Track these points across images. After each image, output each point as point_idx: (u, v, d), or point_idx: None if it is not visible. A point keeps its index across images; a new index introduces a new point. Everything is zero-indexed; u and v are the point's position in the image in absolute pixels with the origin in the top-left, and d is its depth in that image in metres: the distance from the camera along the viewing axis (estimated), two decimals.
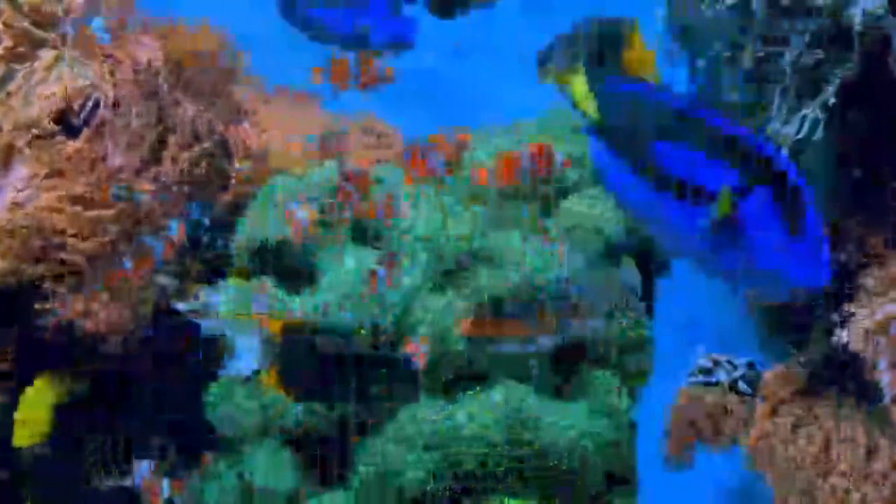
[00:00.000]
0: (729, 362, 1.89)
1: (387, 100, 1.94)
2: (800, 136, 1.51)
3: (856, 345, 1.50)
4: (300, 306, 1.78)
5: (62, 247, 1.74)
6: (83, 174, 1.78)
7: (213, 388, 1.83)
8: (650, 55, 1.56)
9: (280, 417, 1.78)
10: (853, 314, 1.53)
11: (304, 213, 1.83)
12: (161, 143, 1.87)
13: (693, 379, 1.88)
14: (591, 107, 1.26)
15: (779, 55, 1.51)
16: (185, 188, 1.88)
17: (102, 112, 1.81)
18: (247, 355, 1.67)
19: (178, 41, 1.95)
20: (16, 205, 1.74)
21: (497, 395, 1.72)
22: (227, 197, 1.94)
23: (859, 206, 1.59)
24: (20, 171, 1.77)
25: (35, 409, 1.77)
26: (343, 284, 1.77)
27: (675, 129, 1.19)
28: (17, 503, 1.86)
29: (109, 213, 1.78)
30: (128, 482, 1.86)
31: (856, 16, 1.43)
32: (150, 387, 1.89)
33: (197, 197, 1.91)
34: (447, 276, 1.78)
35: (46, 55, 1.81)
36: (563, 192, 1.86)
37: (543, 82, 1.58)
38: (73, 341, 1.78)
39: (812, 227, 1.14)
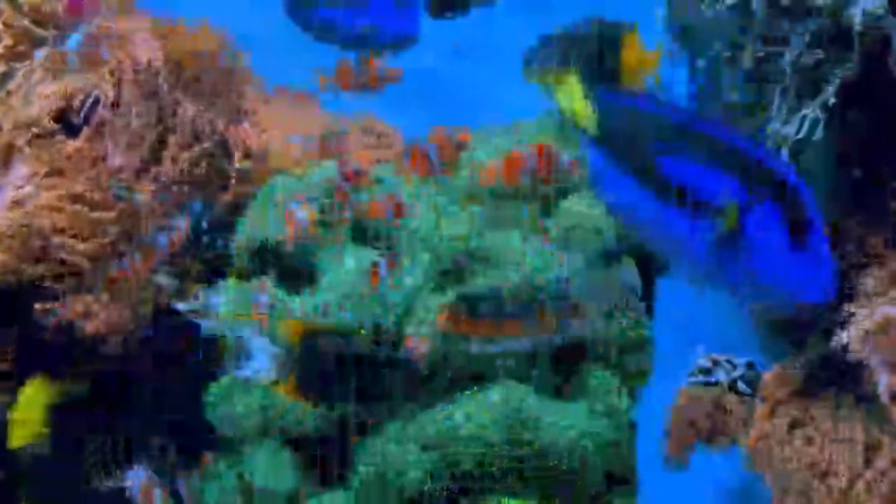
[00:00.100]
0: (728, 362, 1.89)
1: (387, 100, 1.94)
2: (800, 136, 1.51)
3: (855, 346, 1.50)
4: (300, 306, 1.78)
5: (62, 247, 1.75)
6: (83, 173, 1.78)
7: (213, 388, 1.83)
8: (650, 56, 1.56)
9: (280, 418, 1.78)
10: (853, 314, 1.53)
11: (304, 213, 1.83)
12: (161, 143, 1.87)
13: (693, 379, 1.88)
14: (590, 122, 1.25)
15: (779, 55, 1.51)
16: (185, 188, 1.88)
17: (102, 111, 1.81)
18: (265, 363, 1.67)
19: (178, 41, 1.95)
20: (16, 203, 1.74)
21: (495, 394, 1.72)
22: (227, 197, 1.94)
23: (859, 206, 1.59)
24: (20, 170, 1.77)
25: (29, 410, 1.77)
26: (343, 284, 1.77)
27: (676, 143, 1.19)
28: (13, 503, 1.86)
29: (110, 214, 1.78)
30: (127, 483, 1.86)
31: (856, 16, 1.43)
32: (150, 387, 1.89)
33: (197, 197, 1.91)
34: (445, 276, 1.78)
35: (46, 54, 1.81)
36: (563, 193, 1.87)
37: (529, 82, 1.58)
38: (73, 341, 1.78)
39: (818, 243, 1.14)
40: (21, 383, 1.81)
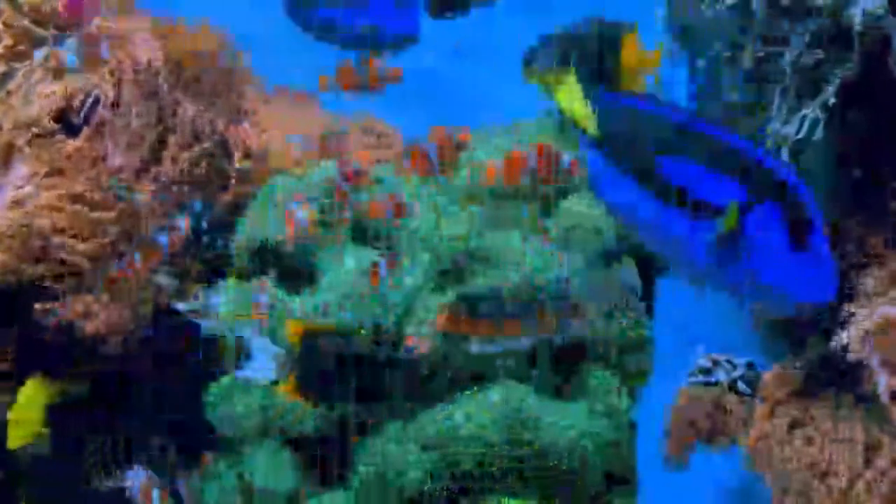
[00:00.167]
0: (728, 362, 1.89)
1: (387, 100, 1.94)
2: (800, 136, 1.51)
3: (855, 346, 1.50)
4: (300, 306, 1.78)
5: (62, 247, 1.74)
6: (83, 173, 1.78)
7: (213, 388, 1.83)
8: (650, 56, 1.56)
9: (280, 418, 1.78)
10: (853, 314, 1.53)
11: (304, 213, 1.83)
12: (161, 143, 1.87)
13: (693, 379, 1.88)
14: (590, 123, 1.25)
15: (779, 55, 1.51)
16: (185, 188, 1.88)
17: (102, 111, 1.81)
18: (264, 363, 1.67)
19: (178, 41, 1.95)
20: (16, 203, 1.74)
21: (495, 394, 1.72)
22: (227, 197, 1.94)
23: (859, 206, 1.59)
24: (20, 170, 1.77)
25: (27, 410, 1.77)
26: (343, 284, 1.77)
27: (676, 143, 1.19)
28: (11, 503, 1.86)
29: (110, 214, 1.78)
30: (127, 483, 1.86)
31: (856, 16, 1.43)
32: (150, 387, 1.89)
33: (197, 197, 1.91)
34: (445, 275, 1.78)
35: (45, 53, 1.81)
36: (563, 192, 1.86)
37: (529, 82, 1.58)
38: (73, 341, 1.78)
39: (818, 243, 1.14)
40: (21, 383, 1.81)
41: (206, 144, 1.91)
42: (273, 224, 1.85)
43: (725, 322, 1.90)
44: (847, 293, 1.55)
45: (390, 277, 1.74)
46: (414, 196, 1.83)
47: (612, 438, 1.74)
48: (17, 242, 1.72)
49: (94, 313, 1.77)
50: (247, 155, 1.97)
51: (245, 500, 1.80)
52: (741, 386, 1.87)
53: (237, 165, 1.95)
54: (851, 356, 1.50)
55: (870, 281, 1.55)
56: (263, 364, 1.67)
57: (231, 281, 1.86)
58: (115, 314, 1.78)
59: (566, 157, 1.81)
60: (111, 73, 1.84)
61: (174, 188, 1.86)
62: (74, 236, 1.76)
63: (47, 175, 1.77)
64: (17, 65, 1.82)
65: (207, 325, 1.83)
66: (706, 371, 1.87)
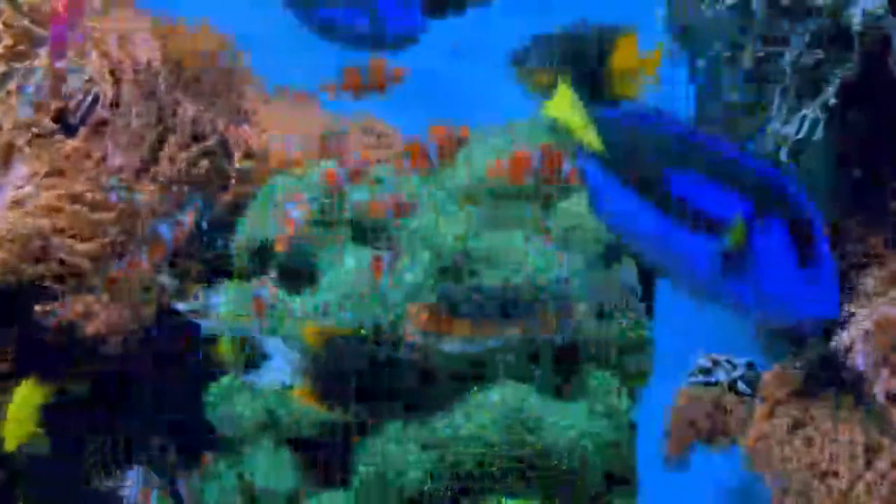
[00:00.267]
0: (728, 362, 1.89)
1: (386, 100, 1.93)
2: (800, 136, 1.51)
3: (856, 346, 1.50)
4: (300, 306, 1.78)
5: (62, 247, 1.74)
6: (84, 173, 1.78)
7: (213, 388, 1.83)
8: (648, 59, 1.56)
9: (282, 418, 1.78)
10: (853, 314, 1.53)
11: (300, 213, 1.83)
12: (161, 143, 1.87)
13: (693, 379, 1.88)
14: (591, 136, 1.24)
15: (779, 55, 1.51)
16: (185, 188, 1.88)
17: (101, 111, 1.81)
18: (281, 366, 1.68)
19: (178, 41, 1.95)
20: (16, 203, 1.74)
21: (495, 394, 1.72)
22: (227, 197, 1.94)
23: (859, 206, 1.59)
24: (20, 170, 1.77)
25: (22, 411, 1.77)
26: (343, 284, 1.77)
27: (679, 156, 1.18)
28: (10, 503, 1.86)
29: (110, 215, 1.78)
30: (127, 483, 1.86)
31: (856, 16, 1.43)
32: (150, 387, 1.89)
33: (197, 196, 1.91)
34: (444, 274, 1.78)
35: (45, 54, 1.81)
36: (565, 192, 1.86)
37: (518, 83, 1.57)
38: (74, 342, 1.78)
39: (823, 259, 1.14)
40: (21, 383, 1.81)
41: (209, 143, 1.91)
42: (273, 224, 1.86)
43: (725, 322, 1.90)
44: (847, 293, 1.55)
45: (390, 276, 1.74)
46: (414, 195, 1.83)
47: (612, 439, 1.74)
48: (16, 243, 1.72)
49: (94, 313, 1.77)
50: (247, 155, 1.97)
51: (245, 501, 1.80)
52: (741, 386, 1.87)
53: (237, 165, 1.95)
54: (850, 362, 1.50)
55: (870, 281, 1.55)
56: (280, 367, 1.68)
57: (231, 281, 1.87)
58: (115, 314, 1.78)
59: (566, 166, 1.81)
60: (111, 72, 1.84)
61: (174, 188, 1.86)
62: (74, 236, 1.76)
63: (47, 175, 1.77)
64: (17, 65, 1.82)
65: (207, 325, 1.84)
66: (706, 371, 1.87)
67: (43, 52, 1.81)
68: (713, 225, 1.15)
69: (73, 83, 1.81)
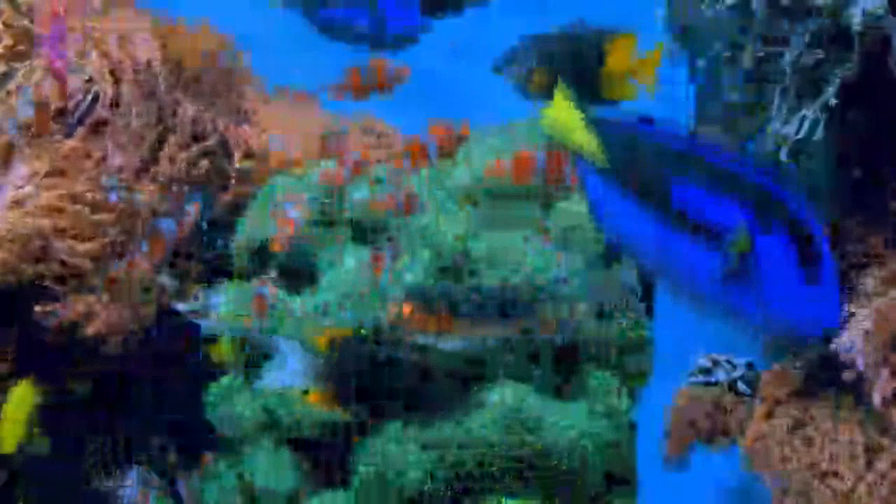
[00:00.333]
0: (728, 362, 1.88)
1: (386, 100, 1.94)
2: (800, 136, 1.51)
3: (855, 345, 1.50)
4: (300, 306, 1.78)
5: (62, 248, 1.74)
6: (84, 173, 1.78)
7: (213, 388, 1.83)
8: (646, 61, 1.56)
9: (283, 418, 1.78)
10: (853, 314, 1.53)
11: (298, 213, 1.83)
12: (161, 143, 1.87)
13: (693, 379, 1.88)
14: (593, 146, 1.23)
15: (779, 55, 1.51)
16: (185, 188, 1.88)
17: (101, 111, 1.81)
18: (296, 369, 1.68)
19: (178, 41, 1.95)
20: (16, 203, 1.74)
21: (495, 395, 1.72)
22: (227, 197, 1.95)
23: (859, 206, 1.59)
24: (20, 170, 1.77)
25: (18, 412, 1.77)
26: (343, 284, 1.77)
27: (682, 168, 1.18)
28: (9, 503, 1.86)
29: (110, 216, 1.78)
30: (127, 483, 1.86)
31: (856, 16, 1.43)
32: (151, 387, 1.89)
33: (197, 196, 1.91)
34: (443, 273, 1.78)
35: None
36: (565, 193, 1.86)
37: (509, 82, 1.57)
38: (74, 342, 1.78)
39: (826, 270, 1.13)
40: None
41: (209, 143, 1.91)
42: (273, 224, 1.86)
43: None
44: (847, 294, 1.55)
45: (390, 274, 1.74)
46: (414, 194, 1.83)
47: (612, 439, 1.75)
48: (16, 244, 1.72)
49: (95, 314, 1.77)
50: (247, 155, 1.97)
51: (245, 501, 1.80)
52: (741, 386, 1.86)
53: (237, 165, 1.95)
54: (850, 362, 1.50)
55: (870, 281, 1.55)
56: (295, 370, 1.68)
57: (231, 281, 1.87)
58: (115, 315, 1.78)
59: (568, 168, 1.81)
60: (111, 72, 1.84)
61: (174, 188, 1.86)
62: (75, 237, 1.76)
63: (47, 175, 1.77)
64: (17, 65, 1.82)
65: (207, 325, 1.84)
66: (706, 371, 1.87)
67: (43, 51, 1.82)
68: (713, 234, 1.15)
69: (73, 83, 1.81)
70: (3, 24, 1.82)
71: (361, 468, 1.74)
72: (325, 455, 1.79)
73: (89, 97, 1.82)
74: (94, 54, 1.85)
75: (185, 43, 1.97)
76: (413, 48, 1.81)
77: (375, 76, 1.83)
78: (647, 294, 1.84)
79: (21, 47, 1.83)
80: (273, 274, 1.87)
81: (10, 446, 1.76)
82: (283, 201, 1.86)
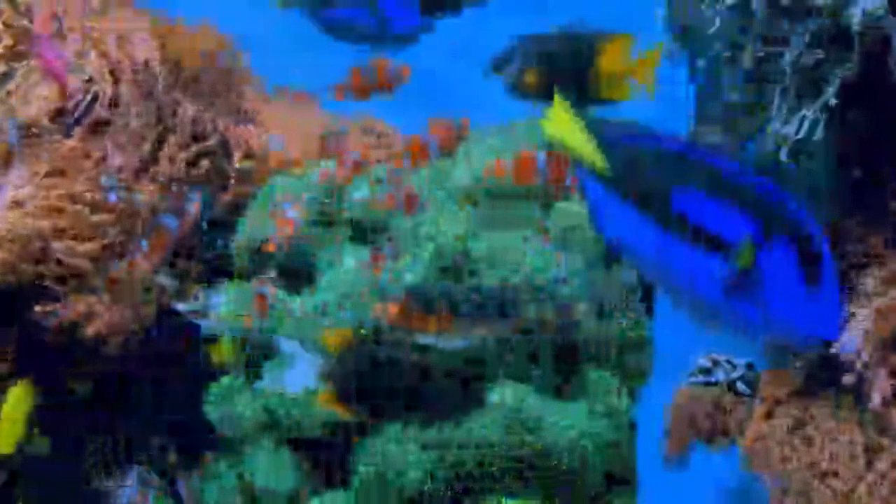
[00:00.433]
0: (728, 362, 1.89)
1: (386, 100, 1.93)
2: (800, 136, 1.51)
3: (855, 345, 1.50)
4: (300, 306, 1.78)
5: (62, 248, 1.74)
6: (83, 173, 1.78)
7: (213, 388, 1.83)
8: (643, 62, 1.56)
9: (283, 418, 1.78)
10: (853, 314, 1.53)
11: (296, 213, 1.83)
12: (161, 143, 1.87)
13: (693, 379, 1.88)
14: (594, 154, 1.23)
15: (779, 55, 1.51)
16: (185, 188, 1.88)
17: (99, 111, 1.81)
18: (305, 370, 1.68)
19: (177, 41, 1.95)
20: (16, 203, 1.74)
21: (495, 395, 1.72)
22: (227, 197, 1.95)
23: (859, 206, 1.59)
24: (20, 170, 1.77)
25: (16, 412, 1.76)
26: (342, 284, 1.77)
27: (679, 173, 1.18)
28: (8, 503, 1.86)
29: (110, 216, 1.78)
30: (126, 483, 1.86)
31: (856, 16, 1.43)
32: (151, 387, 1.89)
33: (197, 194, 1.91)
34: (444, 273, 1.78)
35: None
36: (564, 193, 1.86)
37: (505, 83, 1.57)
38: (74, 342, 1.78)
39: (829, 281, 1.13)
40: None
41: (209, 143, 1.91)
42: (272, 224, 1.86)
43: None
44: (847, 294, 1.55)
45: (390, 274, 1.74)
46: (415, 193, 1.83)
47: (612, 438, 1.74)
48: (16, 244, 1.72)
49: (96, 314, 1.77)
50: (248, 155, 1.97)
51: (245, 501, 1.80)
52: (740, 386, 1.87)
53: (237, 165, 1.95)
54: (848, 361, 1.50)
55: (870, 281, 1.55)
56: (305, 371, 1.68)
57: (231, 281, 1.87)
58: (116, 315, 1.78)
59: (567, 176, 1.81)
60: (111, 72, 1.84)
61: (173, 188, 1.86)
62: (74, 237, 1.76)
63: (47, 175, 1.77)
64: (16, 65, 1.82)
65: (207, 325, 1.84)
66: (706, 371, 1.87)
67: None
68: (714, 241, 1.15)
69: (72, 83, 1.81)
70: (3, 24, 1.82)
71: (361, 468, 1.74)
72: (325, 455, 1.79)
73: (88, 97, 1.82)
74: (92, 54, 1.85)
75: (184, 43, 1.96)
76: (412, 48, 1.81)
77: (377, 76, 1.83)
78: (647, 294, 1.84)
79: (21, 47, 1.83)
80: (272, 274, 1.87)
81: (8, 446, 1.76)
82: (282, 201, 1.86)
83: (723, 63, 1.60)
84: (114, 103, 1.83)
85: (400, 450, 1.72)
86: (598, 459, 1.73)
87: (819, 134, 1.50)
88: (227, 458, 1.83)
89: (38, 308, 1.74)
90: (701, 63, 1.68)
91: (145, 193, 1.82)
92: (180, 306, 1.86)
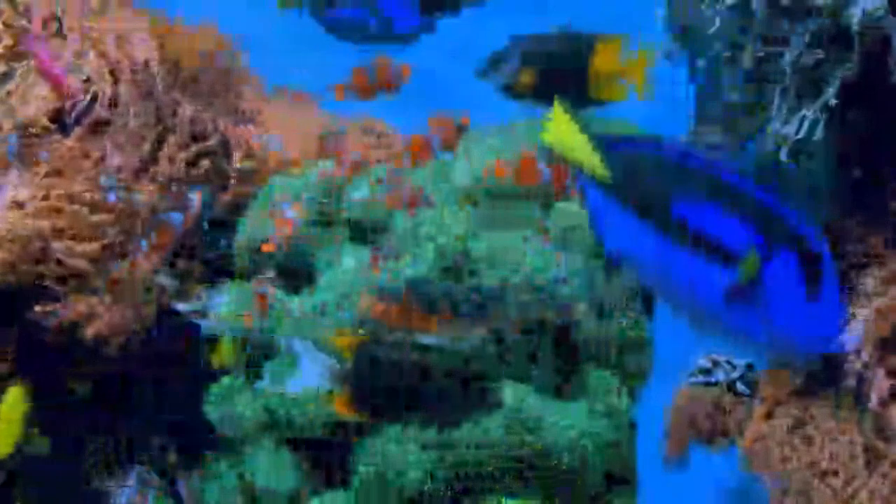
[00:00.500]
0: (728, 363, 1.89)
1: (385, 99, 1.93)
2: (800, 136, 1.51)
3: (855, 346, 1.50)
4: (299, 306, 1.78)
5: (62, 249, 1.74)
6: (82, 173, 1.78)
7: (214, 388, 1.83)
8: (637, 62, 1.56)
9: (284, 418, 1.78)
10: (853, 314, 1.53)
11: (294, 213, 1.83)
12: (160, 142, 1.87)
13: (693, 379, 1.88)
14: (595, 162, 1.22)
15: (779, 55, 1.51)
16: (185, 188, 1.88)
17: (98, 111, 1.81)
18: (318, 372, 1.68)
19: (176, 41, 1.95)
20: (16, 203, 1.74)
21: (494, 395, 1.72)
22: (227, 197, 1.94)
23: (859, 206, 1.59)
24: (20, 170, 1.77)
25: (13, 412, 1.76)
26: (341, 284, 1.76)
27: (679, 181, 1.18)
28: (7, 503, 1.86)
29: (110, 216, 1.78)
30: (127, 483, 1.86)
31: (856, 16, 1.43)
32: (151, 387, 1.89)
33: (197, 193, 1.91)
34: (444, 273, 1.78)
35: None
36: (564, 193, 1.86)
37: (500, 84, 1.57)
38: (75, 342, 1.78)
39: (832, 293, 1.13)
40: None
41: (209, 143, 1.91)
42: (272, 224, 1.86)
43: None
44: (847, 293, 1.55)
45: (389, 273, 1.74)
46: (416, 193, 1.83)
47: (612, 438, 1.75)
48: (16, 244, 1.72)
49: (96, 314, 1.77)
50: (247, 155, 1.97)
51: (246, 501, 1.80)
52: (740, 386, 1.87)
53: (237, 165, 1.95)
54: (848, 362, 1.51)
55: (870, 281, 1.55)
56: (316, 373, 1.68)
57: (232, 281, 1.87)
58: (117, 315, 1.78)
59: (568, 182, 1.81)
60: (110, 72, 1.84)
61: (173, 188, 1.86)
62: (73, 237, 1.76)
63: (46, 175, 1.76)
64: (16, 65, 1.82)
65: (207, 325, 1.84)
66: (706, 371, 1.88)
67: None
68: (714, 249, 1.15)
69: (71, 83, 1.81)
70: (3, 24, 1.82)
71: (361, 468, 1.74)
72: (325, 455, 1.79)
73: (87, 97, 1.82)
74: (91, 54, 1.85)
75: (183, 43, 1.96)
76: (413, 48, 1.81)
77: (380, 75, 1.83)
78: (647, 295, 1.84)
79: (21, 47, 1.83)
80: (271, 274, 1.86)
81: (6, 447, 1.76)
82: (281, 201, 1.86)
83: (723, 63, 1.60)
84: (113, 103, 1.83)
85: (400, 450, 1.72)
86: (598, 459, 1.73)
87: (819, 134, 1.50)
88: (227, 458, 1.83)
89: (38, 308, 1.74)
90: (701, 63, 1.68)
91: (145, 193, 1.82)
92: (181, 306, 1.86)
